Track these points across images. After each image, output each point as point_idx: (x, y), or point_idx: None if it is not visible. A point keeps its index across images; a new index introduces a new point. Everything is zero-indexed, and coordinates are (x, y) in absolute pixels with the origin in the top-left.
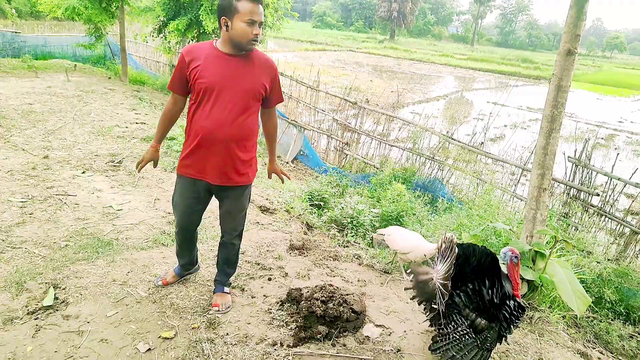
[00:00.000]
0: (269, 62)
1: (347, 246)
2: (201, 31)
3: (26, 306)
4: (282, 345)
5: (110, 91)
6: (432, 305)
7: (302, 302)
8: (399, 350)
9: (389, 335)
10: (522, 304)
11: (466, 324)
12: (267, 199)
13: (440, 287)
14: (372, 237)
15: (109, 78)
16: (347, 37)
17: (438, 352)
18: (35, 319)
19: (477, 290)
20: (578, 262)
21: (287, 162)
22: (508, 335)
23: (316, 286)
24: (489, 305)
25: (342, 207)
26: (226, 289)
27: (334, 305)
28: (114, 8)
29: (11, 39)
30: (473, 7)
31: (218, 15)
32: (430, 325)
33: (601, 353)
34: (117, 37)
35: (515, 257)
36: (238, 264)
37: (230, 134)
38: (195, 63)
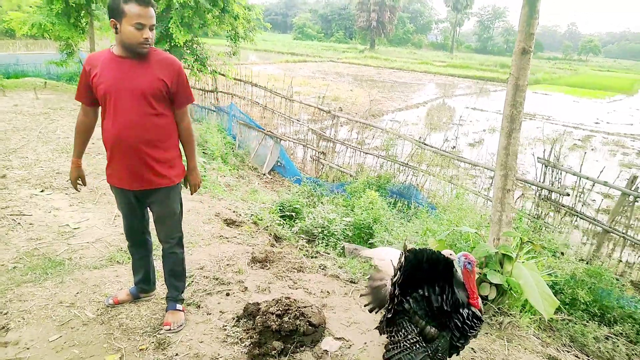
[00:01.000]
0: (169, 59)
1: (315, 257)
2: (172, 44)
3: None
4: None
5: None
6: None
7: (258, 316)
8: None
9: (349, 348)
10: (477, 313)
11: (415, 331)
12: (234, 212)
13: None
14: (343, 247)
15: None
16: (328, 48)
17: (396, 358)
18: None
19: (425, 297)
20: (549, 264)
21: (265, 174)
22: (462, 346)
23: (273, 300)
24: (439, 312)
25: (313, 217)
26: (178, 306)
27: (289, 318)
28: (84, 24)
29: None
30: (451, 15)
31: (108, 17)
32: (381, 334)
33: (576, 357)
34: (89, 54)
35: (469, 262)
36: (195, 280)
37: (137, 136)
38: (94, 70)
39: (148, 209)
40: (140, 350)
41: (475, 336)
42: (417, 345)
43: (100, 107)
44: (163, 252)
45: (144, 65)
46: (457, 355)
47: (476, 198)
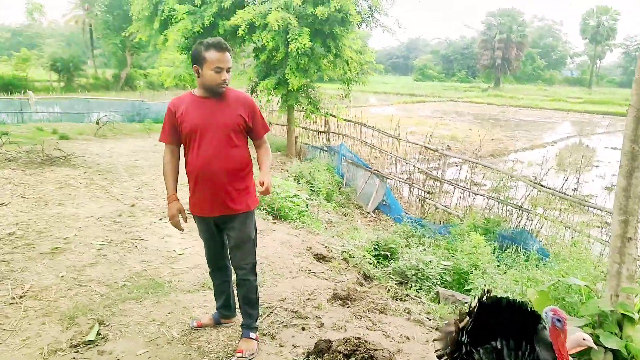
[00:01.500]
0: (244, 96)
1: (404, 300)
2: (288, 89)
3: (71, 339)
4: None
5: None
6: None
7: (326, 354)
8: None
9: None
10: None
11: None
12: (326, 247)
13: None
14: (437, 292)
15: None
16: (449, 88)
17: None
18: (75, 352)
19: (497, 350)
20: None
21: (369, 213)
22: None
23: (343, 338)
24: None
25: (408, 258)
26: (252, 335)
27: (356, 359)
28: None
29: (138, 107)
30: (589, 48)
31: (192, 64)
32: None
33: None
34: None
35: (559, 319)
36: (275, 311)
37: (219, 167)
38: (180, 111)
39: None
40: None
41: None
42: None
43: (182, 146)
44: (237, 280)
45: (223, 103)
46: None
47: (603, 247)
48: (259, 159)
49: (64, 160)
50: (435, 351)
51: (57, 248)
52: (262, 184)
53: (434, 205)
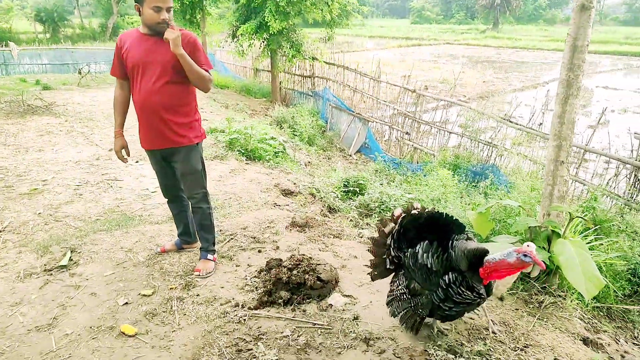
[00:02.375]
0: (185, 34)
1: (363, 228)
2: (269, 33)
3: (45, 265)
4: (242, 307)
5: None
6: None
7: (274, 269)
8: (355, 318)
9: (354, 305)
10: (471, 282)
11: (404, 284)
12: (294, 184)
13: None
14: None
15: None
16: (446, 30)
17: (388, 306)
18: (49, 275)
19: (415, 252)
20: (621, 247)
21: (351, 155)
22: (450, 309)
23: (291, 255)
24: (427, 270)
25: (373, 192)
26: (209, 256)
27: (298, 272)
28: (198, 19)
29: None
30: None
31: (134, 2)
32: (372, 280)
33: (617, 341)
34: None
35: (525, 255)
36: (235, 237)
37: (157, 102)
38: (125, 47)
39: None
40: (170, 288)
41: (469, 305)
42: (404, 297)
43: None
44: (191, 207)
45: (164, 41)
46: (449, 319)
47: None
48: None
49: (45, 110)
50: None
51: (35, 189)
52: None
53: (412, 145)
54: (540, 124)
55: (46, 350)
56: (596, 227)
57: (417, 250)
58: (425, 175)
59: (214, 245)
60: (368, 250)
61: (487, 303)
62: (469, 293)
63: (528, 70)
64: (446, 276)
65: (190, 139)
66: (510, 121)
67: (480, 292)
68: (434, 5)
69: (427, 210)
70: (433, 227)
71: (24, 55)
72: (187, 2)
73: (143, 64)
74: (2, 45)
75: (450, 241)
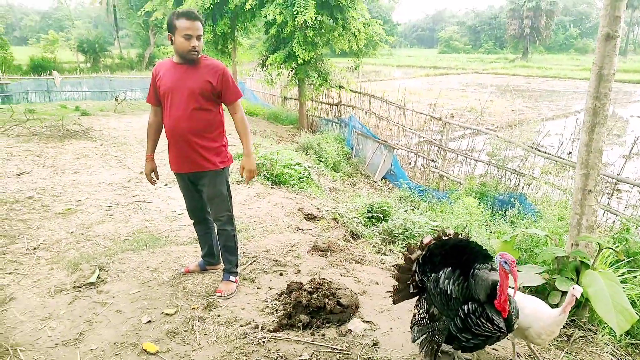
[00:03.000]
0: (215, 64)
1: (386, 254)
2: (297, 62)
3: (75, 282)
4: (262, 329)
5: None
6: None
7: (294, 292)
8: (375, 344)
9: (374, 331)
10: (491, 315)
11: (425, 309)
12: (317, 208)
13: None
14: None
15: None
16: (474, 60)
17: (411, 331)
18: (78, 292)
19: (438, 277)
20: None
21: (376, 182)
22: (467, 340)
23: (311, 279)
24: (446, 297)
25: (397, 218)
26: (232, 278)
27: (318, 296)
28: (229, 49)
29: None
30: (626, 14)
31: (168, 32)
32: (394, 303)
33: None
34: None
35: (505, 262)
36: (258, 260)
37: (186, 127)
38: (159, 75)
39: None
40: (192, 308)
41: (488, 338)
42: (424, 322)
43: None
44: (217, 230)
45: (194, 69)
46: (468, 350)
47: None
48: (238, 131)
49: (82, 134)
50: (392, 276)
51: (69, 209)
52: (242, 170)
53: (438, 172)
54: (570, 152)
55: None
56: (629, 260)
57: (439, 276)
58: (451, 203)
59: (236, 267)
60: (392, 276)
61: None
62: (489, 325)
63: (559, 100)
64: (465, 306)
65: (216, 164)
66: (538, 150)
67: (500, 325)
68: (462, 35)
69: (454, 236)
70: (459, 254)
71: (66, 83)
72: (220, 33)
73: (173, 91)
74: (47, 74)
75: (472, 270)
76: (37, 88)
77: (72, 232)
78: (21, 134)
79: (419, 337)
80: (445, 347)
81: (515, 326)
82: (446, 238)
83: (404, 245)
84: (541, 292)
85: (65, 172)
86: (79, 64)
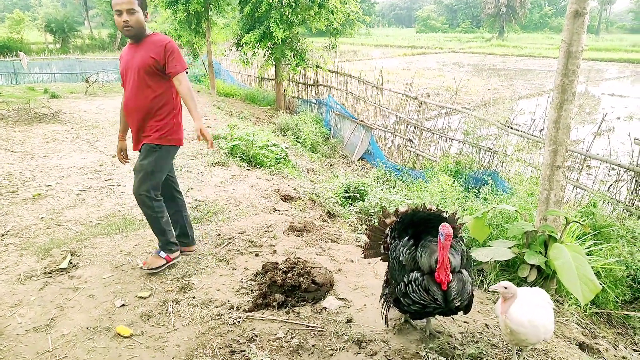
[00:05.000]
0: (160, 39)
1: (362, 233)
2: (274, 42)
3: (45, 268)
4: (237, 309)
5: None
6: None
7: (269, 272)
8: (349, 321)
9: (348, 307)
10: (427, 284)
11: (386, 271)
12: (294, 189)
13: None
14: None
15: (198, 91)
16: (452, 39)
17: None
18: (49, 278)
19: (396, 245)
20: (620, 253)
21: (354, 162)
22: (408, 305)
23: (286, 259)
24: (397, 263)
25: (373, 198)
26: (162, 254)
27: (293, 275)
28: (203, 28)
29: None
30: None
31: None
32: (365, 257)
33: (615, 347)
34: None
35: (442, 234)
36: (234, 242)
37: (135, 106)
38: (121, 57)
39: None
40: (167, 291)
41: (426, 307)
42: (385, 284)
43: None
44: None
45: (141, 47)
46: (417, 317)
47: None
48: (183, 102)
49: (52, 117)
50: (365, 245)
51: (39, 194)
52: (198, 134)
53: (414, 152)
54: (541, 130)
55: (42, 350)
56: (595, 233)
57: (398, 243)
58: (426, 182)
59: (169, 246)
60: (364, 233)
61: (483, 307)
62: (425, 295)
63: (533, 78)
64: (412, 274)
65: (153, 139)
66: (511, 128)
67: (436, 297)
68: (439, 14)
69: (428, 208)
70: (425, 226)
71: (34, 65)
72: (193, 12)
73: (126, 71)
74: (13, 55)
75: (423, 241)
76: (2, 70)
77: (42, 217)
78: None
79: (380, 297)
80: (416, 321)
81: (457, 303)
82: (419, 210)
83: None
84: (511, 266)
85: (34, 156)
86: (47, 44)
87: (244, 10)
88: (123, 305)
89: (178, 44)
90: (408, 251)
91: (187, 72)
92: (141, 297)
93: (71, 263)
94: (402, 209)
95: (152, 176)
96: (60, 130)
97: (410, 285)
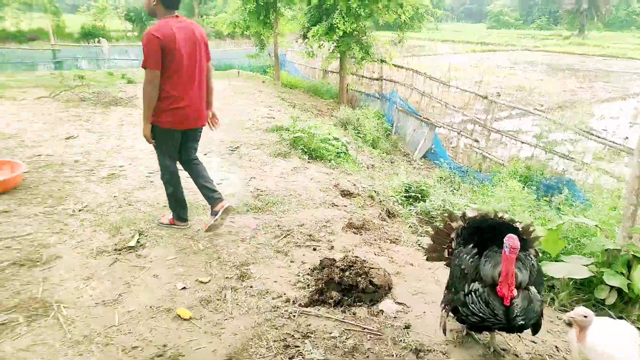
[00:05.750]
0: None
1: (423, 236)
2: (339, 35)
3: (115, 244)
4: (293, 303)
5: (259, 92)
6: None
7: (326, 268)
8: (407, 327)
9: (406, 313)
10: (486, 296)
11: (448, 278)
12: (353, 185)
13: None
14: None
15: (263, 82)
16: (525, 36)
17: None
18: (118, 254)
19: (460, 251)
20: None
21: (415, 160)
22: (466, 316)
23: (344, 256)
24: (460, 271)
25: (435, 199)
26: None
27: (351, 274)
28: (272, 20)
29: None
30: None
31: None
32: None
33: None
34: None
35: (507, 247)
36: (292, 234)
37: None
38: None
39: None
40: (226, 278)
41: (484, 320)
42: (446, 291)
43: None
44: None
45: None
46: (475, 330)
47: None
48: None
49: (127, 102)
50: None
51: (113, 174)
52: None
53: (481, 153)
54: (626, 138)
55: (109, 324)
56: None
57: (462, 250)
58: (493, 186)
59: (172, 211)
60: (427, 233)
61: (554, 327)
62: (484, 307)
63: (616, 80)
64: (473, 284)
65: (152, 119)
66: (591, 133)
67: (496, 312)
68: (513, 9)
69: (500, 216)
70: (492, 234)
71: (114, 51)
72: (263, 3)
73: None
74: (96, 42)
75: (488, 250)
76: (87, 55)
77: (114, 196)
78: (70, 99)
79: (441, 304)
80: (479, 335)
81: (520, 321)
82: (488, 216)
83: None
84: (587, 285)
85: (110, 137)
86: (126, 32)
87: (311, 2)
88: (184, 288)
89: (246, 34)
90: (471, 259)
91: (145, 69)
92: (201, 282)
93: (139, 242)
94: (470, 213)
95: (158, 153)
96: (134, 114)
97: (470, 296)
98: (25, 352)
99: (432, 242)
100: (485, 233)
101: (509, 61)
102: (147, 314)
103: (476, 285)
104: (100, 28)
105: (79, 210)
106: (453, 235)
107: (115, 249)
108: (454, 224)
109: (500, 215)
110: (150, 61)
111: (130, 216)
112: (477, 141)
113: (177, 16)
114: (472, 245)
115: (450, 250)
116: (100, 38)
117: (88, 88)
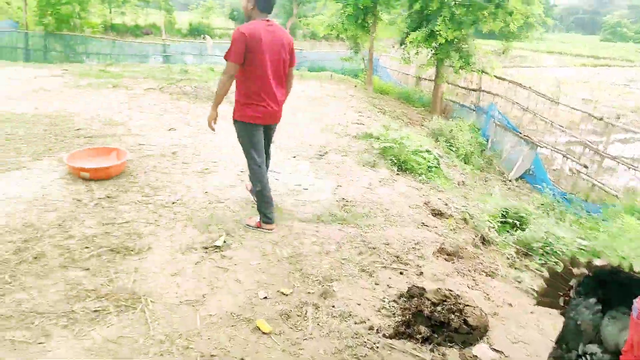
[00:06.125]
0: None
1: (521, 270)
2: (439, 42)
3: (203, 242)
4: (377, 332)
5: (350, 97)
6: None
7: (415, 299)
8: None
9: None
10: None
11: (559, 330)
12: (445, 204)
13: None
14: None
15: (355, 86)
16: None
17: None
18: (205, 253)
19: (578, 304)
20: None
21: (510, 180)
22: None
23: (437, 288)
24: (575, 326)
25: (537, 229)
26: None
27: (443, 309)
28: (369, 24)
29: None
30: None
31: None
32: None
33: None
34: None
35: (636, 309)
36: (377, 252)
37: None
38: None
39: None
40: (308, 293)
41: None
42: (555, 345)
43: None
44: None
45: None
46: None
47: None
48: None
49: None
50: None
51: (206, 169)
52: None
53: (589, 181)
54: None
55: (191, 326)
56: None
57: (581, 302)
58: (604, 220)
59: (259, 213)
60: (541, 276)
61: None
62: None
63: None
64: (589, 345)
65: (234, 115)
66: None
67: None
68: (633, 21)
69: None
70: (625, 293)
71: (216, 47)
72: (362, 7)
73: None
74: (201, 38)
75: (614, 309)
76: (192, 50)
77: (206, 192)
78: (174, 92)
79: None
80: None
81: None
82: (621, 270)
83: (543, 262)
84: None
85: (206, 132)
86: (229, 30)
87: (412, 7)
88: (265, 297)
89: (341, 37)
90: (591, 317)
91: (226, 60)
92: (283, 293)
93: (225, 242)
94: (597, 262)
95: (243, 149)
96: (229, 110)
97: (584, 358)
98: (112, 343)
99: (546, 286)
100: (613, 289)
101: (625, 78)
102: (228, 321)
103: (594, 348)
104: (206, 25)
105: (172, 203)
106: (572, 283)
107: (202, 247)
108: (576, 270)
109: (637, 270)
110: (231, 54)
111: (219, 214)
112: (585, 167)
113: (268, 20)
114: (595, 299)
115: (567, 298)
116: (205, 35)
117: (190, 82)
